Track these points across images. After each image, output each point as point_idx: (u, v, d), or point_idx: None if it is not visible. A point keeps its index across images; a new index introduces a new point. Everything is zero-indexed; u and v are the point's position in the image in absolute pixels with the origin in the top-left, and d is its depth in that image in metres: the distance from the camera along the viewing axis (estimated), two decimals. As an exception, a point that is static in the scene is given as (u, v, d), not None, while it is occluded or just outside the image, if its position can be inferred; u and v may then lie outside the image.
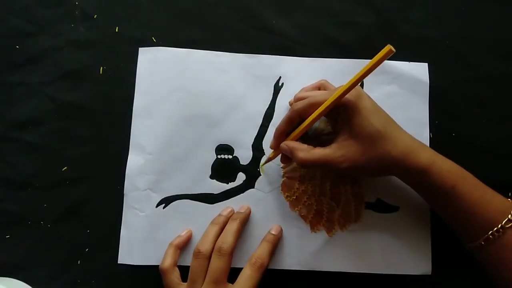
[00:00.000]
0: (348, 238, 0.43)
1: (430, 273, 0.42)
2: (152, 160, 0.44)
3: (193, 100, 0.45)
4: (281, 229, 0.43)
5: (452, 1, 0.47)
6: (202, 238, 0.40)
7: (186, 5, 0.48)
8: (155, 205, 0.44)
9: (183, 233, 0.43)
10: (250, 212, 0.43)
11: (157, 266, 0.41)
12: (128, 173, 0.44)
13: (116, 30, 0.47)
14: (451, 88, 0.45)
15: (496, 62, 0.46)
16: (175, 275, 0.40)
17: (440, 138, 0.44)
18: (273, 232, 0.42)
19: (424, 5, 0.47)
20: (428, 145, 0.43)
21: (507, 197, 0.43)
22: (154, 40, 0.47)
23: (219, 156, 0.44)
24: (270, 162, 0.44)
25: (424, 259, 0.42)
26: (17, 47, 0.47)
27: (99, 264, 0.44)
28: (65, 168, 0.45)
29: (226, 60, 0.46)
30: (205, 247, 0.39)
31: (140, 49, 0.46)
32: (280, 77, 0.46)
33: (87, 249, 0.44)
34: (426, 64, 0.45)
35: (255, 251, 0.40)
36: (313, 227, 0.43)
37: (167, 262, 0.40)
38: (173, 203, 0.44)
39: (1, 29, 0.48)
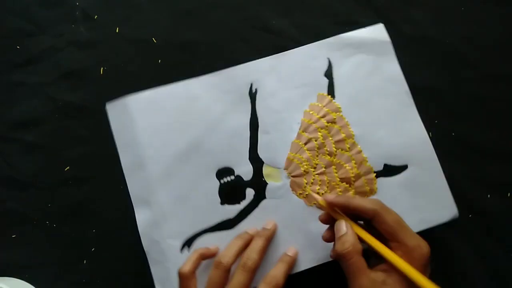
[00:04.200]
0: None
1: (458, 216, 0.42)
2: (159, 209, 0.43)
3: (177, 136, 0.44)
4: (297, 252, 0.42)
5: (452, 1, 0.47)
6: (225, 250, 0.40)
7: (186, 5, 0.48)
8: (179, 250, 0.43)
9: (212, 247, 0.42)
10: (276, 228, 0.42)
11: None
12: (142, 231, 0.43)
13: (117, 30, 0.48)
14: (451, 88, 0.45)
15: (496, 62, 0.46)
16: (193, 282, 0.39)
17: (440, 138, 0.44)
18: (289, 254, 0.41)
19: (424, 5, 0.47)
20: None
21: (507, 197, 0.43)
22: (155, 41, 0.47)
23: (222, 181, 0.44)
24: (271, 168, 0.44)
25: (448, 204, 0.42)
26: (18, 47, 0.47)
27: (105, 264, 0.44)
28: (68, 168, 0.45)
29: (194, 86, 0.45)
30: (227, 259, 0.39)
31: (107, 105, 0.45)
32: (251, 83, 0.45)
33: (92, 249, 0.44)
34: (381, 24, 0.46)
35: (270, 271, 0.39)
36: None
37: (188, 267, 0.39)
38: (195, 241, 0.43)
39: (1, 29, 0.48)
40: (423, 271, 0.34)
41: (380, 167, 0.44)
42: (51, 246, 0.44)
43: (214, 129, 0.44)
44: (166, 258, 0.42)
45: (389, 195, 0.43)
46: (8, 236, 0.44)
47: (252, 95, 0.45)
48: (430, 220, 0.42)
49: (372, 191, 0.43)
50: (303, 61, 0.45)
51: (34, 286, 0.43)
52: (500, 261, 0.42)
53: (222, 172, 0.44)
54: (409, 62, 0.46)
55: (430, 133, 0.44)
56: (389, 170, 0.43)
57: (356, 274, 0.34)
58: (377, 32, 0.46)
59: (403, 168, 0.43)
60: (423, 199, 0.43)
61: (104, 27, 0.48)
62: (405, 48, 0.46)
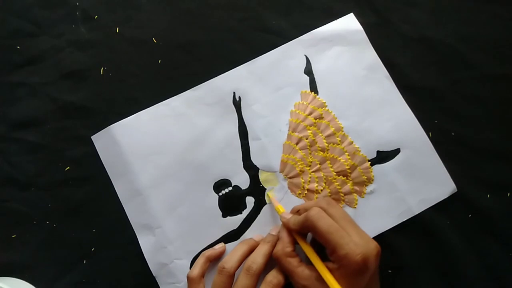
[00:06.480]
0: (372, 200, 0.43)
1: (456, 190, 0.43)
2: (162, 232, 0.43)
3: (168, 157, 0.44)
4: None
5: (452, 1, 0.47)
6: (229, 255, 0.40)
7: (186, 5, 0.48)
8: (189, 269, 0.43)
9: (217, 247, 0.42)
10: None
11: None
12: (148, 257, 0.43)
13: (117, 30, 0.48)
14: (451, 88, 0.45)
15: (496, 62, 0.46)
16: (201, 286, 0.40)
17: (440, 138, 0.44)
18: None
19: (424, 5, 0.47)
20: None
21: (507, 197, 0.43)
22: (155, 41, 0.47)
23: (220, 194, 0.44)
24: (267, 173, 0.44)
25: (445, 180, 0.43)
26: (18, 47, 0.47)
27: (105, 263, 0.44)
28: (68, 168, 0.45)
29: (176, 103, 0.45)
30: (230, 264, 0.39)
31: (92, 137, 0.45)
32: (234, 92, 0.45)
33: (92, 249, 0.44)
34: (351, 13, 0.46)
35: (271, 271, 0.39)
36: None
37: (196, 272, 0.40)
38: None
39: (1, 29, 0.48)
40: (353, 281, 0.34)
41: (374, 155, 0.44)
42: (51, 246, 0.44)
43: (204, 143, 0.44)
44: (177, 279, 0.43)
45: (387, 181, 0.43)
46: (8, 236, 0.44)
47: (237, 103, 0.45)
48: (430, 199, 0.43)
49: (370, 180, 0.44)
50: (280, 62, 0.46)
51: (34, 286, 0.43)
52: (499, 261, 0.42)
53: (219, 185, 0.44)
54: (409, 62, 0.46)
55: (430, 133, 0.44)
56: (383, 156, 0.44)
57: (289, 273, 0.37)
58: (349, 22, 0.46)
59: (396, 152, 0.44)
60: (420, 179, 0.43)
61: (104, 27, 0.48)
62: (405, 48, 0.46)
